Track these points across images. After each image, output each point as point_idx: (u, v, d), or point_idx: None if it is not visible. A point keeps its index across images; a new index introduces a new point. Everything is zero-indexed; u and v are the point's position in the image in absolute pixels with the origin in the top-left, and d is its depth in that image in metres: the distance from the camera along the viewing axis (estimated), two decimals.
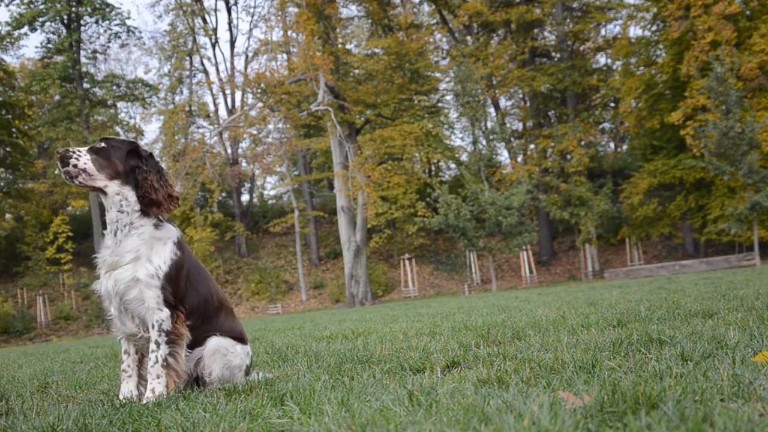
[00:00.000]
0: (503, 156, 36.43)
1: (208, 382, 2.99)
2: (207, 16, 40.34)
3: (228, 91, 40.02)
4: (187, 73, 41.09)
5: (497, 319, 5.29)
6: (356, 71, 33.29)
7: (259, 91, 32.60)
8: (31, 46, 64.95)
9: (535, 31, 34.41)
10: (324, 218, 39.36)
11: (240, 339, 3.11)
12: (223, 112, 42.70)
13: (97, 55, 39.18)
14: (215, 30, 40.32)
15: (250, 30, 49.61)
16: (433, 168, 38.94)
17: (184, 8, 39.32)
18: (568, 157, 31.13)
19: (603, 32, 37.14)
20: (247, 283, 35.14)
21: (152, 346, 2.86)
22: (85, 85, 36.86)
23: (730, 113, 22.92)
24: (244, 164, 39.96)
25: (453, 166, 39.30)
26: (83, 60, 37.20)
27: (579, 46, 35.77)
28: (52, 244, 35.69)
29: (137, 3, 58.98)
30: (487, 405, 1.79)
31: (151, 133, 78.49)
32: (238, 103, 39.53)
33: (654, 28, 30.93)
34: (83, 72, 36.90)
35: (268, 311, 32.22)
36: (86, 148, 2.92)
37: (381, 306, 20.90)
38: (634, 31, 32.44)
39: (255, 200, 44.44)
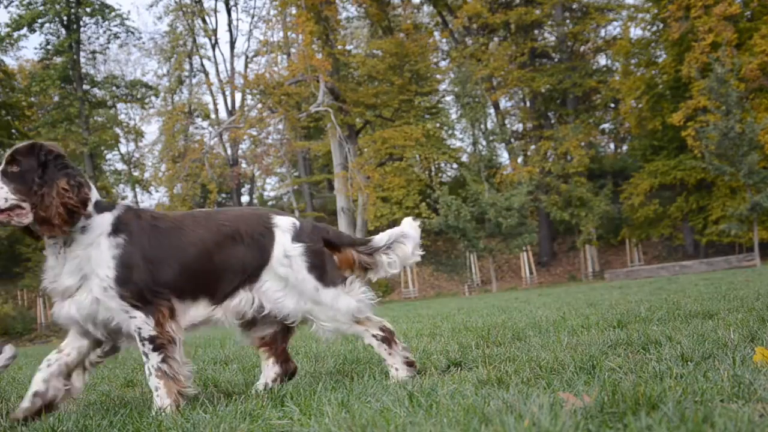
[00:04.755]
0: (503, 157, 36.43)
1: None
2: (207, 17, 40.34)
3: (228, 92, 40.03)
4: (187, 74, 41.07)
5: (497, 320, 5.29)
6: (356, 73, 33.26)
7: (257, 93, 32.58)
8: (30, 47, 64.99)
9: (535, 31, 34.39)
10: (324, 219, 39.36)
11: None
12: (223, 113, 42.70)
13: (97, 55, 39.17)
14: (215, 31, 40.29)
15: (250, 31, 49.65)
16: (433, 169, 38.92)
17: (184, 9, 39.31)
18: (569, 157, 31.12)
19: (603, 33, 37.11)
20: None
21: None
22: (85, 86, 36.86)
23: (730, 114, 22.93)
24: (243, 165, 39.94)
25: (454, 166, 39.28)
26: (83, 61, 37.19)
27: (579, 47, 35.75)
28: None
29: (137, 4, 59.07)
30: (487, 406, 1.79)
31: (151, 135, 78.43)
32: (238, 104, 39.54)
33: (654, 29, 30.93)
34: (83, 73, 36.91)
35: None
36: None
37: (381, 307, 20.87)
38: (634, 32, 32.49)
39: (255, 201, 44.43)
